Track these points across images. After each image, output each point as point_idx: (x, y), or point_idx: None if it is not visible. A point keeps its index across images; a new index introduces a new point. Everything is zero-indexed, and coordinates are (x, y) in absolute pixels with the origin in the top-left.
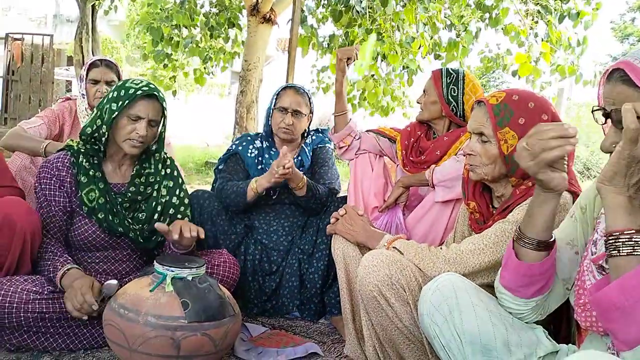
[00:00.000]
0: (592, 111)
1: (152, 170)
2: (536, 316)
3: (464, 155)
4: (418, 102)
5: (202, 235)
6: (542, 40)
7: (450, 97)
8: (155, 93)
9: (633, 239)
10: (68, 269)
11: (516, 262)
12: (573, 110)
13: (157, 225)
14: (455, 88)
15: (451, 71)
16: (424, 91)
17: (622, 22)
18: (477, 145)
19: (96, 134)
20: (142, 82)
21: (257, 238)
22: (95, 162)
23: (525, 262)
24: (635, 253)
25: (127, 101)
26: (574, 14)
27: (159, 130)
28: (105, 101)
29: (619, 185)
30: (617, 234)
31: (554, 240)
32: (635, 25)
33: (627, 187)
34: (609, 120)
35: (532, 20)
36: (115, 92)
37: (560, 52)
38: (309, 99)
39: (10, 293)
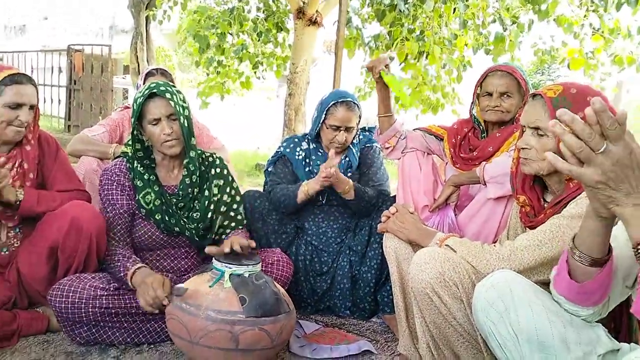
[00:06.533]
0: None
1: (199, 169)
2: (595, 317)
3: (518, 150)
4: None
5: (253, 245)
6: (596, 30)
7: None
8: (155, 91)
9: None
10: (138, 268)
11: (568, 281)
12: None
13: (208, 249)
14: None
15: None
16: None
17: None
18: (532, 139)
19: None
20: (145, 87)
21: (307, 239)
22: (149, 166)
23: (578, 282)
24: None
25: (138, 110)
26: (633, 1)
27: (183, 121)
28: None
29: (622, 201)
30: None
31: (610, 256)
32: None
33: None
34: None
35: (587, 10)
36: (131, 108)
37: (619, 41)
38: (358, 108)
39: (79, 290)
